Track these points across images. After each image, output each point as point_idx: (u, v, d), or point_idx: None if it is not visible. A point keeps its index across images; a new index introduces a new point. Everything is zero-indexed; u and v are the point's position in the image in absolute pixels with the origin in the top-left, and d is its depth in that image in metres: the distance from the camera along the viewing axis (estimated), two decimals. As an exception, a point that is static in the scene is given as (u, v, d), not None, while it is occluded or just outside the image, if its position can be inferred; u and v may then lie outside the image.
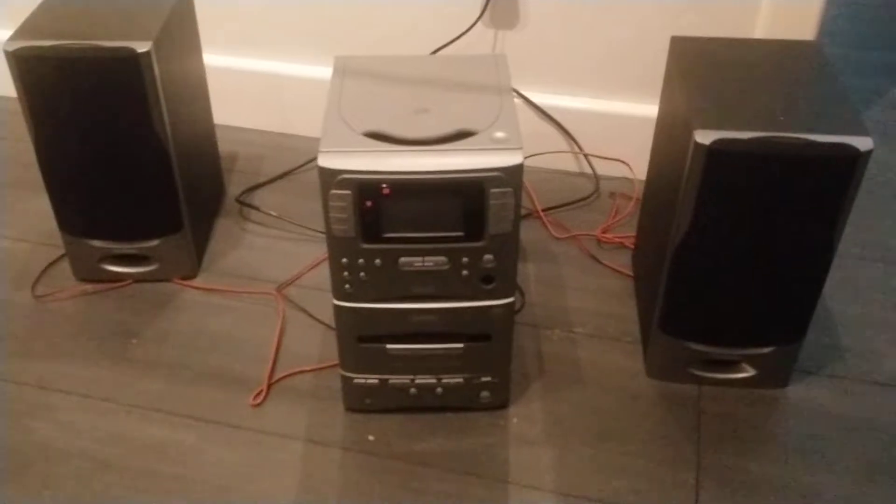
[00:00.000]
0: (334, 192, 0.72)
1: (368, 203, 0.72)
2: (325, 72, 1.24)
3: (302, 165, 1.23)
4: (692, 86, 0.81)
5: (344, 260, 0.76)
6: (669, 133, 0.88)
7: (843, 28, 1.67)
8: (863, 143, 0.72)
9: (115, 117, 0.91)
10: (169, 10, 0.96)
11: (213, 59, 1.12)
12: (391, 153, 0.71)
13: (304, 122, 1.30)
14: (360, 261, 0.76)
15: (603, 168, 1.21)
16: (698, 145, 0.73)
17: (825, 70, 0.83)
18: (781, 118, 0.74)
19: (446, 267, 0.76)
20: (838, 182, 0.74)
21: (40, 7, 0.94)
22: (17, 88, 0.89)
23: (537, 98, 1.19)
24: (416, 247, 0.75)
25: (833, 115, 0.76)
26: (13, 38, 0.87)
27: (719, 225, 0.78)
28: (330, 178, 0.71)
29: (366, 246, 0.75)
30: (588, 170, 1.22)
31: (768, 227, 0.78)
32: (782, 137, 0.73)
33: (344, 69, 0.84)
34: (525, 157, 0.72)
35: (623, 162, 1.20)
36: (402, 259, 0.76)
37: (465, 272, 0.77)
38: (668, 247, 0.82)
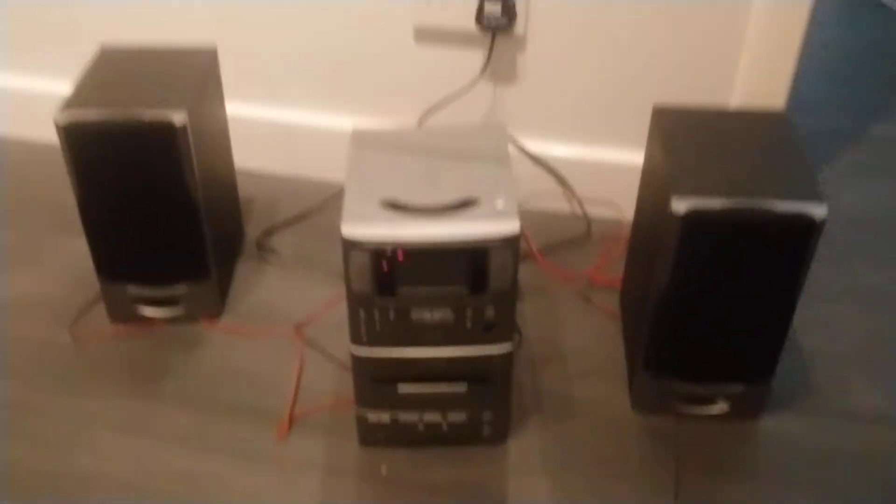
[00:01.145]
0: (355, 256, 0.81)
1: (384, 265, 0.82)
2: (336, 120, 1.35)
3: (316, 208, 1.33)
4: (670, 153, 0.90)
5: (361, 312, 0.85)
6: (651, 189, 0.98)
7: (820, 67, 1.77)
8: (818, 211, 0.82)
9: (151, 176, 1.00)
10: (201, 75, 1.06)
11: (230, 107, 1.21)
12: (404, 222, 0.81)
13: (316, 165, 1.40)
14: (376, 313, 0.85)
15: (594, 210, 1.31)
16: (674, 213, 0.83)
17: (790, 140, 0.93)
18: (747, 188, 0.84)
19: (452, 318, 0.86)
20: (798, 244, 0.84)
21: (84, 78, 1.04)
22: (64, 152, 0.98)
23: (533, 145, 1.29)
24: (426, 301, 0.85)
25: (794, 184, 0.85)
26: (63, 109, 0.96)
27: (695, 279, 0.88)
28: (351, 244, 0.81)
29: (381, 300, 0.84)
30: (580, 212, 1.32)
31: (738, 281, 0.87)
32: (748, 205, 0.82)
33: (361, 141, 0.93)
34: (523, 201, 0.82)
35: (613, 204, 1.30)
36: (413, 311, 0.85)
37: (468, 323, 0.86)
38: (650, 297, 0.91)
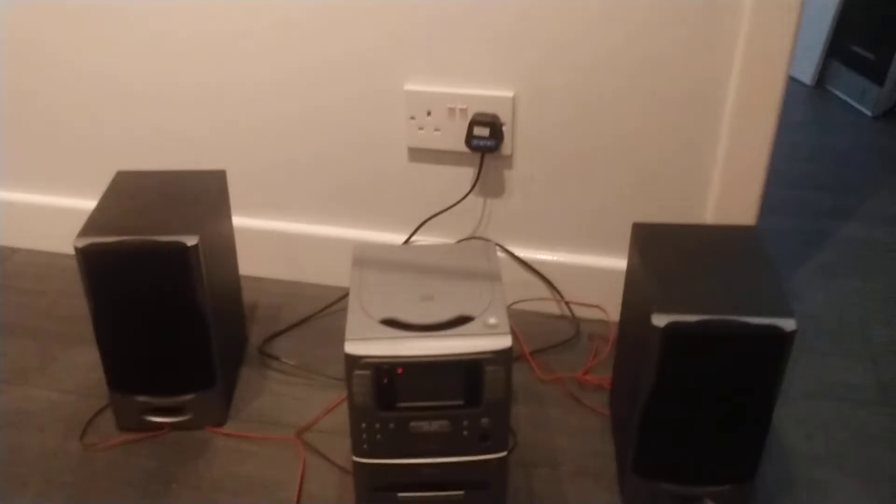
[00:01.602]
0: (357, 372, 0.87)
1: (385, 380, 0.87)
2: (335, 230, 1.43)
3: (316, 313, 1.39)
4: (650, 269, 0.98)
5: (363, 424, 0.90)
6: (634, 300, 1.04)
7: (788, 169, 1.88)
8: (787, 324, 0.89)
9: (163, 293, 1.07)
10: (211, 197, 1.13)
11: (236, 219, 1.28)
12: (403, 339, 0.87)
13: (316, 272, 1.47)
14: (377, 425, 0.90)
15: (581, 312, 1.38)
16: (654, 327, 0.90)
17: (760, 254, 1.00)
18: (723, 302, 0.91)
19: (449, 429, 0.91)
20: (769, 355, 0.90)
21: (101, 202, 1.11)
22: (81, 273, 1.04)
23: (521, 252, 1.37)
24: (424, 413, 0.90)
25: (764, 298, 0.92)
26: (81, 234, 1.03)
27: (678, 386, 0.94)
28: (354, 361, 0.87)
29: (382, 413, 0.90)
30: (568, 313, 1.39)
31: (718, 388, 0.93)
32: (723, 320, 0.89)
33: (361, 259, 1.00)
34: (513, 303, 0.88)
35: (599, 307, 1.37)
36: (412, 423, 0.90)
37: (465, 432, 0.91)
38: (637, 401, 0.97)
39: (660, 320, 0.90)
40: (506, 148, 1.27)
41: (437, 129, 1.28)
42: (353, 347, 0.87)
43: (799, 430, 1.17)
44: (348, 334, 0.88)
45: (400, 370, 0.87)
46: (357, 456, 0.93)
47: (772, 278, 0.96)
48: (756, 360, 0.91)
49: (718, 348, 0.90)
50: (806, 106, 2.22)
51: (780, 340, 0.89)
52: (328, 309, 1.40)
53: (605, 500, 1.06)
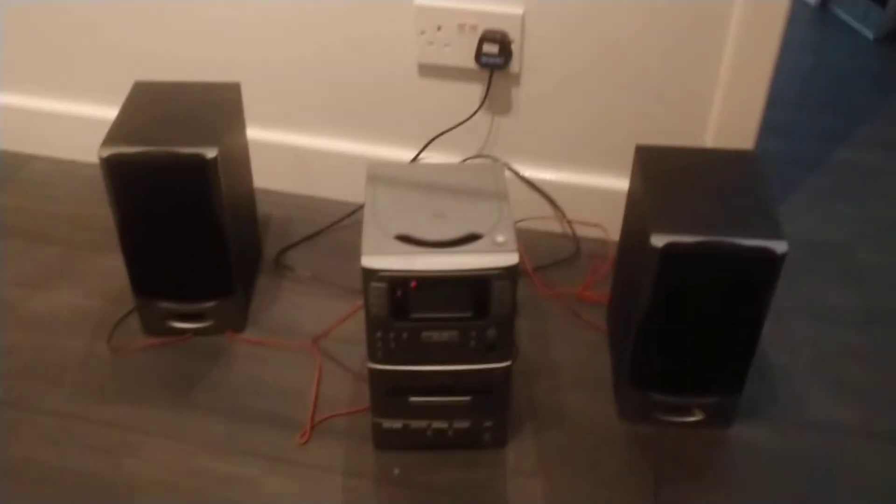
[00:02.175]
0: (373, 284, 0.92)
1: (399, 293, 0.93)
2: (346, 145, 1.46)
3: (328, 227, 1.44)
4: (651, 190, 1.02)
5: (378, 333, 0.97)
6: (634, 220, 1.09)
7: (785, 92, 1.89)
8: (780, 246, 0.94)
9: (185, 205, 1.11)
10: (227, 110, 1.17)
11: (250, 131, 1.32)
12: (417, 254, 0.92)
13: (327, 186, 1.51)
14: (391, 334, 0.96)
15: (582, 231, 1.43)
16: (653, 247, 0.95)
17: (757, 178, 1.05)
18: (717, 225, 0.96)
19: (458, 339, 0.97)
20: (761, 276, 0.95)
21: (122, 113, 1.14)
22: (106, 182, 1.08)
23: (527, 172, 1.41)
24: (435, 324, 0.96)
25: (758, 221, 0.97)
26: (105, 144, 1.07)
27: (673, 303, 1.00)
28: (370, 274, 0.92)
29: (396, 324, 0.96)
30: (569, 232, 1.44)
31: (711, 305, 0.99)
32: (718, 241, 0.94)
33: (375, 176, 1.04)
34: (518, 221, 0.93)
35: (599, 226, 1.42)
36: (424, 333, 0.96)
37: (472, 342, 0.98)
38: (634, 317, 1.03)
39: (658, 240, 0.95)
40: (514, 66, 1.29)
41: (446, 45, 1.30)
42: (369, 261, 0.92)
43: (784, 348, 1.23)
44: (364, 249, 0.93)
45: (413, 283, 0.92)
46: (372, 362, 0.99)
47: (766, 202, 1.01)
48: (748, 280, 0.96)
49: (713, 268, 0.96)
50: (808, 27, 2.20)
51: (772, 262, 0.94)
52: (339, 223, 1.44)
53: (601, 409, 1.14)
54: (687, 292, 0.98)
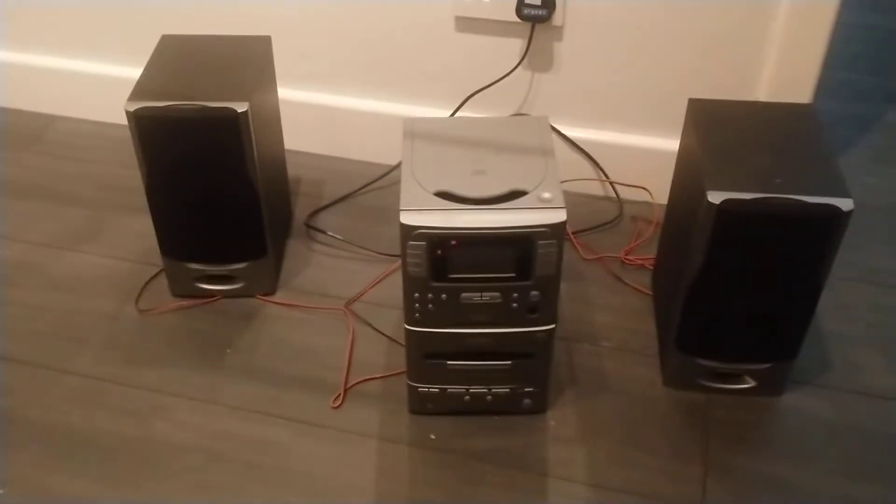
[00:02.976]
0: (412, 242, 0.88)
1: (439, 251, 0.88)
2: (379, 105, 1.41)
3: (359, 189, 1.39)
4: (706, 146, 0.96)
5: (416, 294, 0.92)
6: (686, 178, 1.03)
7: (839, 51, 1.81)
8: (845, 203, 0.88)
9: (215, 162, 1.07)
10: (258, 64, 1.12)
11: (280, 92, 1.27)
12: (457, 211, 0.88)
13: (359, 148, 1.46)
14: (430, 295, 0.92)
15: (626, 193, 1.37)
16: (710, 203, 0.89)
17: (818, 134, 0.98)
18: (779, 180, 0.90)
19: (499, 301, 0.93)
20: (824, 235, 0.90)
21: (149, 67, 1.10)
22: (133, 138, 1.05)
23: (569, 131, 1.35)
24: (475, 285, 0.91)
25: (821, 177, 0.91)
26: (132, 98, 1.03)
27: (727, 265, 0.94)
28: (409, 231, 0.87)
29: (435, 284, 0.91)
30: (613, 195, 1.38)
31: (768, 267, 0.94)
32: (779, 198, 0.88)
33: (412, 132, 0.99)
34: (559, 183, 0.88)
35: (644, 188, 1.36)
36: (464, 294, 0.92)
37: (514, 305, 0.93)
38: (683, 280, 0.98)
39: (715, 197, 0.89)
40: (557, 18, 1.23)
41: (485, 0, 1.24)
42: (408, 218, 0.87)
43: (838, 313, 1.18)
44: (403, 205, 0.88)
45: (454, 242, 0.88)
46: (409, 325, 0.95)
47: (828, 157, 0.95)
48: (809, 239, 0.91)
49: (772, 227, 0.90)
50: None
51: (836, 220, 0.88)
52: (371, 185, 1.40)
53: (645, 375, 1.09)
54: (743, 252, 0.93)
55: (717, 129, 0.99)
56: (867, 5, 2.01)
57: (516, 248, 0.89)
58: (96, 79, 1.53)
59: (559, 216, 0.87)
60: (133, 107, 1.03)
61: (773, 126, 1.00)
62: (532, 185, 0.90)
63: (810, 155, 0.95)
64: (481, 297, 0.92)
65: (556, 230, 0.88)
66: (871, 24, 1.94)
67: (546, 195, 0.89)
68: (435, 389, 1.01)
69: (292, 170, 1.41)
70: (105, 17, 1.46)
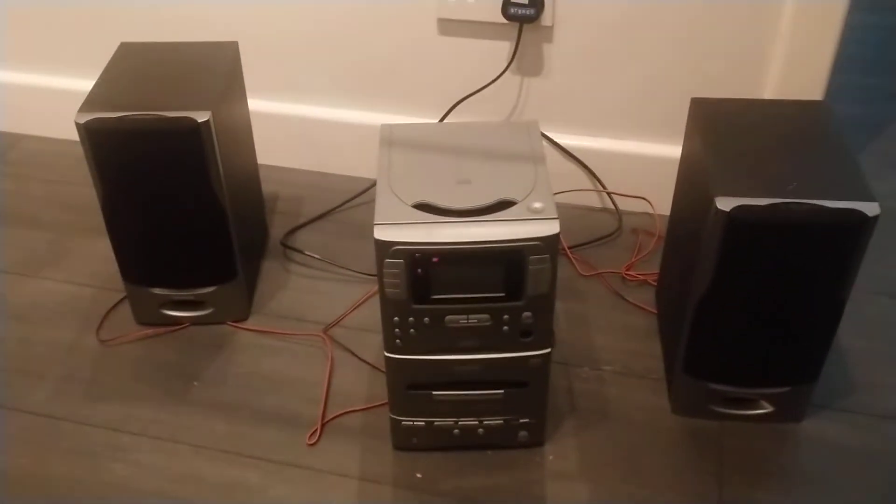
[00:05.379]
0: (388, 260, 0.79)
1: (419, 270, 0.79)
2: (358, 115, 1.33)
3: (339, 206, 1.31)
4: (712, 148, 0.88)
5: (396, 318, 0.83)
6: (691, 185, 0.95)
7: (852, 54, 1.73)
8: (870, 208, 0.79)
9: (176, 178, 0.98)
10: (223, 71, 1.04)
11: (251, 103, 1.19)
12: (439, 225, 0.79)
13: (338, 161, 1.38)
14: (411, 319, 0.83)
15: (625, 204, 1.28)
16: (719, 211, 0.80)
17: (834, 132, 0.90)
18: (794, 184, 0.81)
19: (488, 323, 0.83)
20: (847, 244, 0.81)
21: (104, 76, 1.02)
22: (86, 153, 0.96)
23: (562, 139, 1.27)
24: (461, 306, 0.82)
25: (841, 180, 0.82)
26: (83, 109, 0.95)
27: (739, 279, 0.85)
28: (385, 248, 0.78)
29: (416, 306, 0.82)
30: (611, 206, 1.29)
31: (785, 281, 0.85)
32: (796, 204, 0.80)
33: (390, 139, 0.91)
34: (553, 194, 0.80)
35: (644, 198, 1.27)
36: (449, 317, 0.83)
37: (505, 328, 0.84)
38: (691, 297, 0.89)
39: (725, 204, 0.80)
40: (546, 18, 1.15)
41: None
42: (383, 233, 0.78)
43: (858, 329, 1.09)
44: (378, 219, 0.79)
45: (435, 259, 0.79)
46: (389, 352, 0.86)
47: (848, 157, 0.86)
48: (830, 248, 0.82)
49: (789, 236, 0.81)
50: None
51: (860, 227, 0.80)
52: (352, 201, 1.31)
53: (651, 402, 1.00)
54: (757, 265, 0.84)
55: (723, 130, 0.91)
56: (864, 7, 1.94)
57: (505, 264, 0.80)
58: (64, 95, 1.44)
59: (552, 227, 0.78)
60: (84, 118, 0.94)
61: (784, 125, 0.92)
62: (521, 195, 0.81)
63: (828, 155, 0.87)
64: (468, 319, 0.83)
65: (549, 243, 0.79)
66: (869, 24, 1.87)
67: (537, 205, 0.80)
68: (420, 423, 0.92)
69: (269, 186, 1.33)
70: (68, 30, 1.38)
